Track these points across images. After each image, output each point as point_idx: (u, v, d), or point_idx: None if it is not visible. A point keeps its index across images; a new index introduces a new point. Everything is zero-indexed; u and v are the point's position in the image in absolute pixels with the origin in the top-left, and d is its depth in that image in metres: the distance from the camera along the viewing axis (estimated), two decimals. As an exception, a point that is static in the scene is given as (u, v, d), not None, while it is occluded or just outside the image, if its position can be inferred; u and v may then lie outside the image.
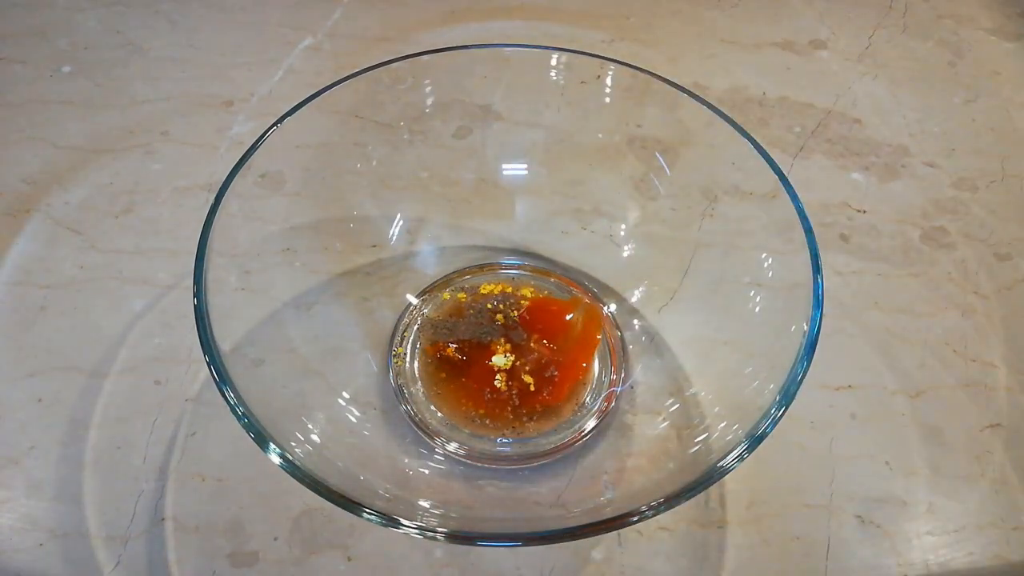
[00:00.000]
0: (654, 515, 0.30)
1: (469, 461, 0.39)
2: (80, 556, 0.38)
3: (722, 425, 0.36)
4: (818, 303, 0.33)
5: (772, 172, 0.37)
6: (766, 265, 0.39)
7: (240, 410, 0.31)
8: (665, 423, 0.40)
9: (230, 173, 0.36)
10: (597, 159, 0.47)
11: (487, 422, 0.40)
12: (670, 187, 0.45)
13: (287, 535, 0.38)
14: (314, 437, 0.36)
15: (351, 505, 0.29)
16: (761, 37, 0.63)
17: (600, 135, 0.46)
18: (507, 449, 0.40)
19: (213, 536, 0.38)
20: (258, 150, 0.37)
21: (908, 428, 0.43)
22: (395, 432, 0.40)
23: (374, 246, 0.46)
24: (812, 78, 0.60)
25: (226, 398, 0.31)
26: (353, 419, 0.40)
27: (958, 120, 0.58)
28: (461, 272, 0.47)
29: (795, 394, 0.32)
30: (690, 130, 0.42)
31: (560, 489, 0.39)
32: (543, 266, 0.47)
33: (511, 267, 0.47)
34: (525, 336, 0.43)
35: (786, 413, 0.31)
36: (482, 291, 0.45)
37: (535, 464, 0.40)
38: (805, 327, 0.33)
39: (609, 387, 0.42)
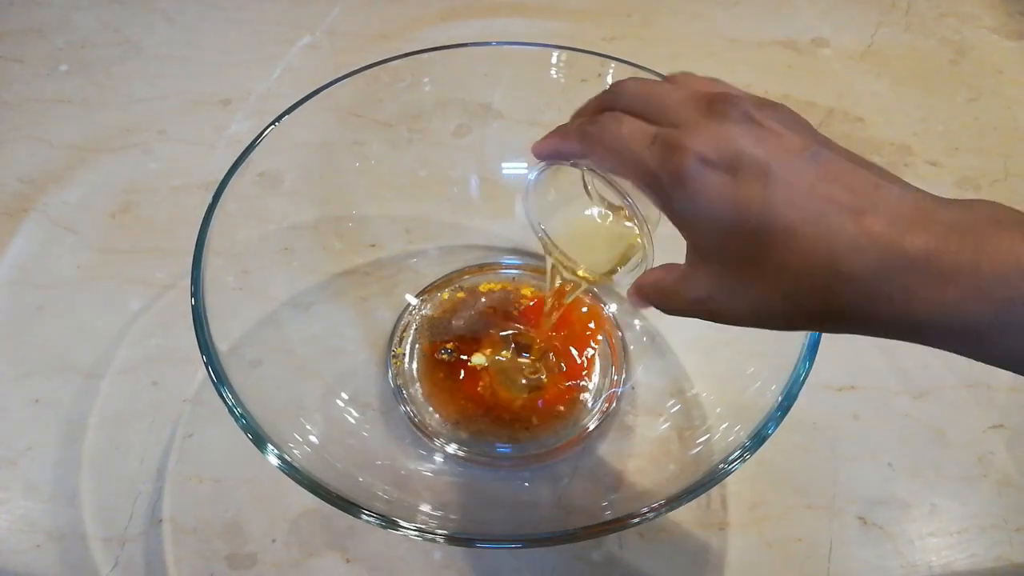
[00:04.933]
0: (655, 517, 0.30)
1: (469, 462, 0.39)
2: (77, 557, 0.37)
3: (724, 426, 0.36)
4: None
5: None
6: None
7: (238, 411, 0.30)
8: (666, 424, 0.40)
9: (228, 172, 0.36)
10: (598, 158, 0.47)
11: (487, 423, 0.40)
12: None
13: (285, 537, 0.38)
14: (312, 438, 0.35)
15: (350, 507, 0.29)
16: (763, 35, 0.63)
17: (601, 134, 0.46)
18: (507, 450, 0.40)
19: (211, 538, 0.38)
20: (256, 149, 0.37)
21: (911, 429, 0.42)
22: (394, 433, 0.40)
23: (373, 245, 0.46)
24: (814, 76, 0.60)
25: (224, 399, 0.31)
26: (352, 420, 0.40)
27: (961, 119, 0.58)
28: (461, 272, 0.47)
29: (797, 395, 0.31)
30: (691, 129, 0.42)
31: (561, 491, 0.39)
32: (543, 266, 0.47)
33: (511, 267, 0.47)
34: (525, 336, 0.43)
35: (788, 414, 0.31)
36: (482, 291, 0.45)
37: (535, 465, 0.39)
38: (808, 327, 0.33)
39: (610, 388, 0.42)
